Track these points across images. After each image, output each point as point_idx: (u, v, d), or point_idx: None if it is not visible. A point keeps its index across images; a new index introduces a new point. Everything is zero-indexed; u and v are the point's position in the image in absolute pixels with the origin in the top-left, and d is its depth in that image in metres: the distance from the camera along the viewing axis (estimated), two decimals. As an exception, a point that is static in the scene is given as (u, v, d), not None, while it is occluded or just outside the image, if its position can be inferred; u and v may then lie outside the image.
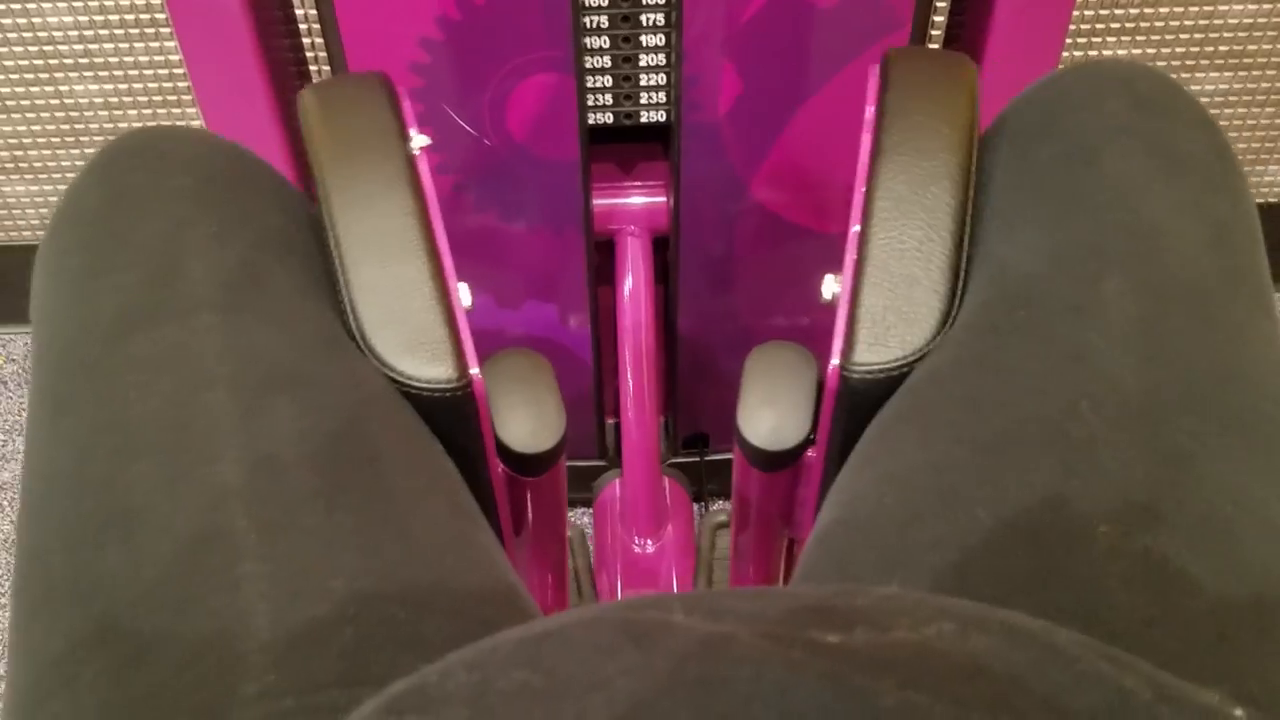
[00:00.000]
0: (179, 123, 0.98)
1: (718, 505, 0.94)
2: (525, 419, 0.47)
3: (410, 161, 0.45)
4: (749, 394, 0.49)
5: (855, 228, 0.43)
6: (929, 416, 0.39)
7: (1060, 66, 0.46)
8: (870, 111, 0.44)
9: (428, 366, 0.42)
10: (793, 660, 0.21)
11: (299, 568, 0.32)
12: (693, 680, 0.21)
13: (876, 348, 0.42)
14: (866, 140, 0.44)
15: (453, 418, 0.43)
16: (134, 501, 0.33)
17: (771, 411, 0.48)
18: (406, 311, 0.42)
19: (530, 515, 0.52)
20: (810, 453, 0.48)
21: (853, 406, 0.43)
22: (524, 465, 0.47)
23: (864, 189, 0.43)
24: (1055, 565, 0.32)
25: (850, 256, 0.43)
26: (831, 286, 0.46)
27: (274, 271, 0.41)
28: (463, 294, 0.44)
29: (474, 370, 0.42)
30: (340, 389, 0.39)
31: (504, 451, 0.47)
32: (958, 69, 0.46)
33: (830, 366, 0.43)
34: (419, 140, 0.46)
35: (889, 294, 0.42)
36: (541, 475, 0.48)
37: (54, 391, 0.38)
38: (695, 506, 0.93)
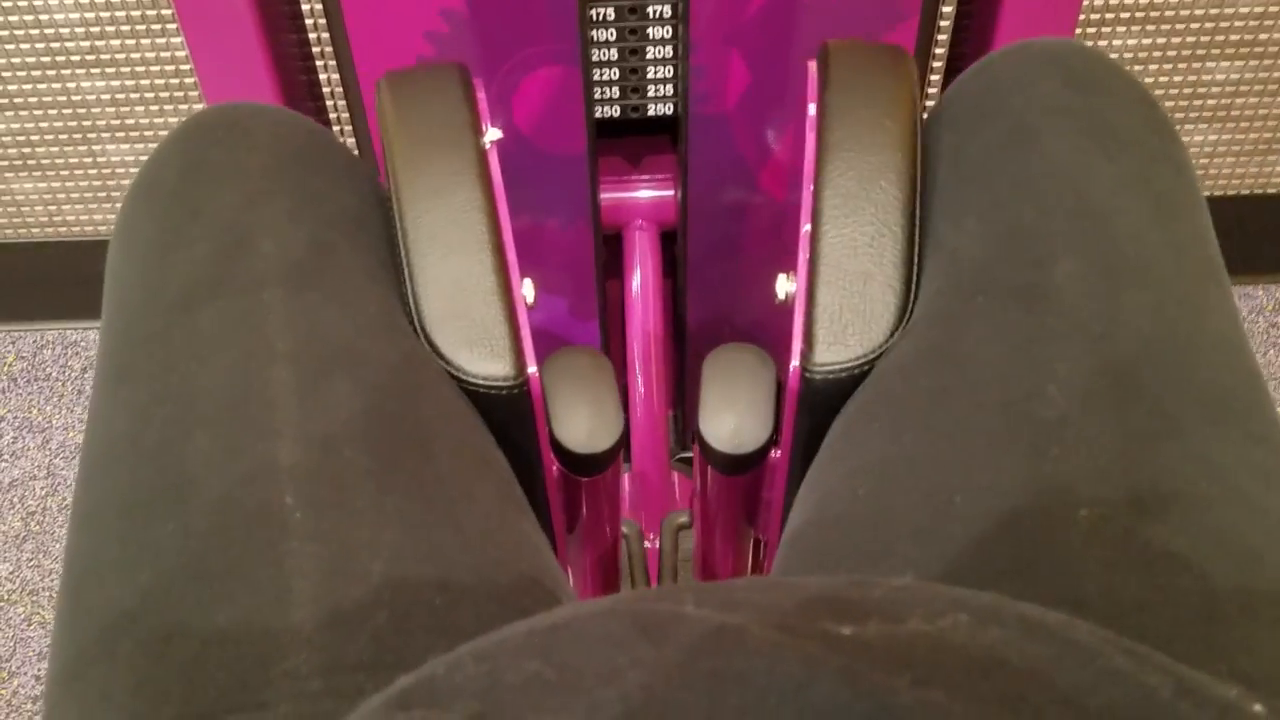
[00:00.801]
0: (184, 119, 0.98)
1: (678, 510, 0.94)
2: (583, 418, 0.46)
3: (482, 155, 0.44)
4: (708, 398, 0.48)
5: (806, 226, 0.42)
6: (896, 409, 0.39)
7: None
8: (812, 108, 0.44)
9: (486, 363, 0.41)
10: (808, 654, 0.21)
11: (342, 548, 0.33)
12: (706, 673, 0.21)
13: (836, 347, 0.41)
14: (811, 138, 0.43)
15: (509, 415, 0.43)
16: (186, 473, 0.34)
17: (731, 415, 0.47)
18: (468, 307, 0.42)
19: (585, 513, 0.52)
20: (774, 454, 0.48)
21: (815, 406, 0.43)
22: (580, 465, 0.47)
23: (812, 187, 0.43)
24: (1037, 551, 0.32)
25: (803, 255, 0.42)
26: (785, 286, 0.46)
27: (343, 251, 0.41)
28: (526, 290, 0.44)
29: (531, 369, 0.42)
30: (398, 372, 0.39)
31: (560, 450, 0.46)
32: (897, 62, 0.45)
33: (791, 367, 0.42)
34: (492, 134, 0.45)
35: (844, 292, 0.41)
36: (598, 475, 0.48)
37: (117, 360, 0.38)
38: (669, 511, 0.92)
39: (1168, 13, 0.92)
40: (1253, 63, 0.96)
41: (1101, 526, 0.31)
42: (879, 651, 0.21)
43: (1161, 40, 0.94)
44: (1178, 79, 0.97)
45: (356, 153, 0.77)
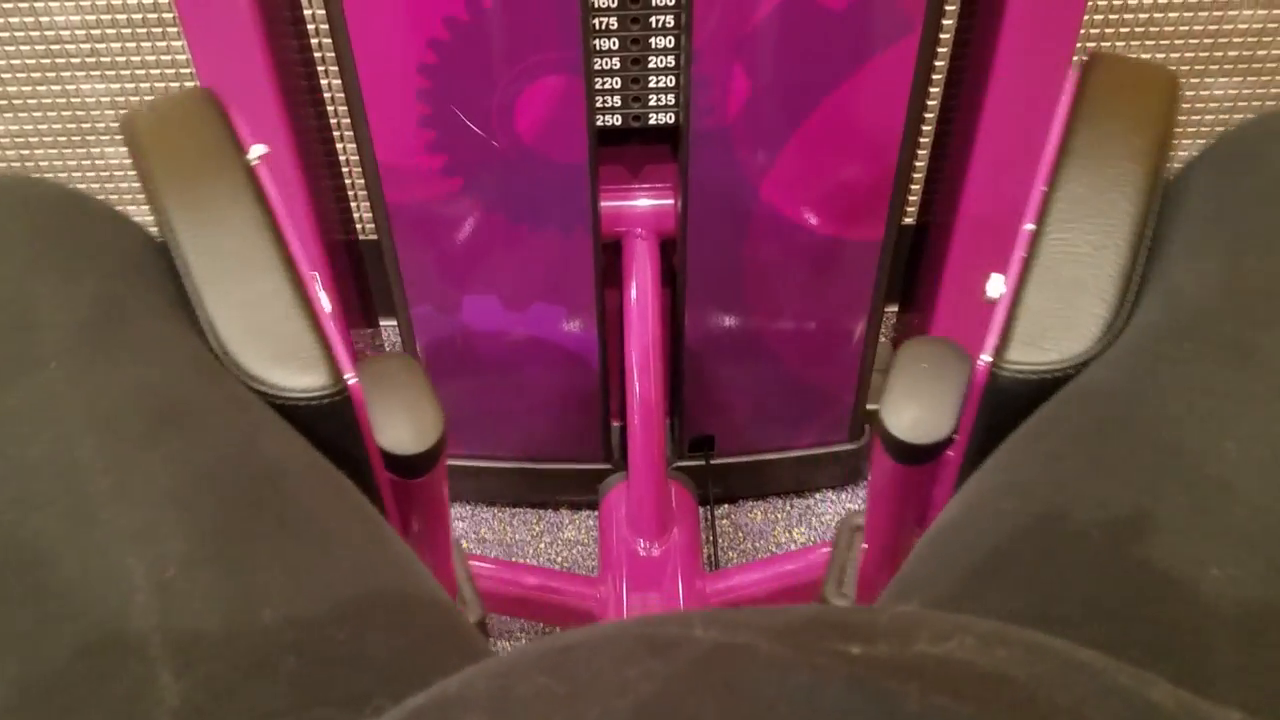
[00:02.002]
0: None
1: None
2: (403, 421, 0.46)
3: (251, 173, 0.44)
4: (895, 384, 0.48)
5: (1028, 225, 0.42)
6: (1067, 433, 0.37)
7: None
8: (1061, 111, 0.43)
9: (300, 376, 0.40)
10: (818, 665, 0.21)
11: (217, 602, 0.31)
12: (716, 683, 0.21)
13: (1031, 348, 0.40)
14: (1053, 140, 0.43)
15: (333, 426, 0.42)
16: (35, 554, 0.32)
17: (916, 404, 0.47)
18: (270, 323, 0.41)
19: (415, 517, 0.52)
20: (950, 453, 0.47)
21: (997, 407, 0.42)
22: (407, 467, 0.47)
23: (1043, 188, 0.42)
24: (1157, 611, 0.30)
25: (1018, 254, 0.42)
26: (997, 286, 0.44)
27: (129, 303, 0.39)
28: (323, 300, 0.43)
29: (349, 376, 0.41)
30: (227, 414, 0.38)
31: (385, 455, 0.46)
32: (1158, 79, 0.45)
33: (980, 363, 0.41)
34: (257, 150, 0.45)
35: (1052, 296, 0.40)
36: (424, 476, 0.48)
37: None
38: (700, 510, 0.92)
39: (1167, 28, 0.93)
40: (1250, 79, 0.97)
41: (1230, 594, 0.30)
42: (889, 666, 0.21)
43: (1160, 55, 0.95)
44: (1189, 93, 0.97)
45: (359, 158, 0.77)
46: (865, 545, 0.63)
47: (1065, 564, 0.33)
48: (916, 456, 0.48)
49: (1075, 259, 0.41)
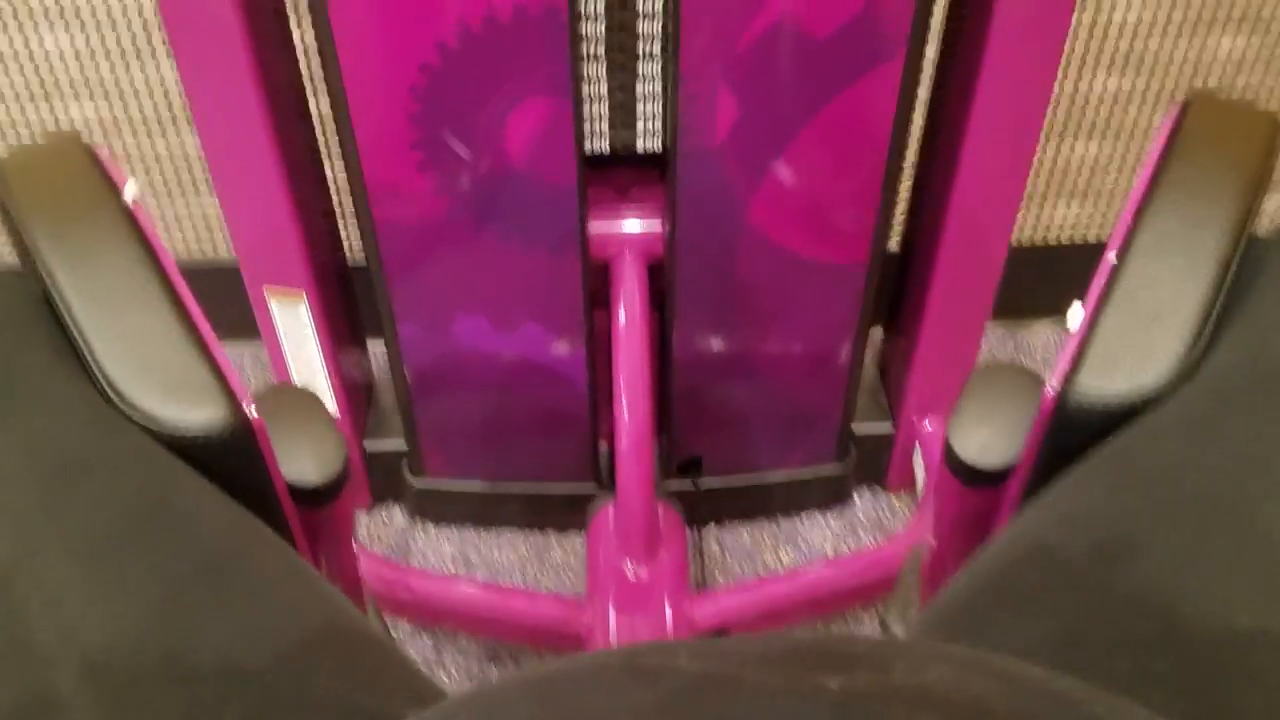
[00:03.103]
0: (174, 146, 0.99)
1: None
2: (305, 451, 0.46)
3: (129, 213, 0.43)
4: (966, 406, 0.48)
5: (1110, 255, 0.42)
6: (1130, 469, 0.37)
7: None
8: (1156, 146, 0.44)
9: (197, 410, 0.39)
10: (802, 692, 0.21)
11: (152, 660, 0.30)
12: (704, 713, 0.21)
13: (1102, 375, 0.40)
14: (1145, 172, 0.43)
15: (235, 460, 0.40)
16: None
17: (985, 428, 0.47)
18: (160, 358, 0.40)
19: (324, 549, 0.51)
20: (1014, 480, 0.47)
21: (1063, 434, 0.41)
22: (312, 498, 0.46)
23: (1129, 218, 0.42)
24: (1186, 663, 0.30)
25: (1099, 282, 0.42)
26: (1076, 316, 0.44)
27: (15, 358, 0.39)
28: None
29: (249, 407, 0.40)
30: (129, 465, 0.37)
31: (290, 488, 0.45)
32: (1258, 123, 0.45)
33: (1047, 389, 0.41)
34: (132, 189, 0.44)
35: (1129, 325, 0.40)
36: (329, 506, 0.47)
37: None
38: (688, 531, 0.92)
39: (1147, 57, 0.94)
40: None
41: (1258, 640, 0.30)
42: (870, 694, 0.22)
43: (1141, 84, 0.96)
44: (1157, 120, 0.99)
45: (349, 185, 0.77)
46: (928, 561, 0.62)
47: (1097, 598, 0.32)
48: (979, 479, 0.47)
49: (1155, 292, 0.40)
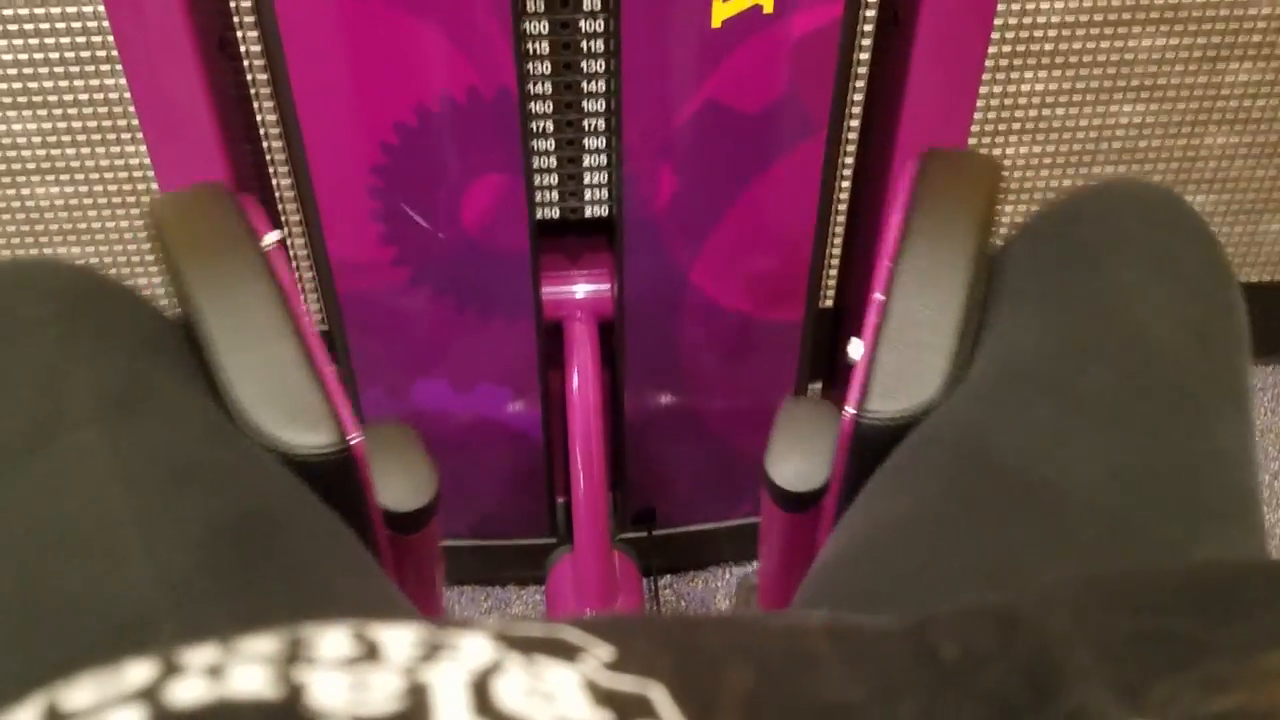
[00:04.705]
0: (136, 222, 1.01)
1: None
2: (400, 479, 0.51)
3: (264, 255, 0.49)
4: (777, 441, 0.54)
5: (879, 295, 0.49)
6: (924, 470, 0.43)
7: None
8: (903, 196, 0.51)
9: (309, 434, 0.45)
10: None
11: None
12: (665, 619, 0.24)
13: (886, 399, 0.47)
14: (896, 220, 0.50)
15: (338, 482, 0.46)
16: (56, 605, 0.35)
17: (797, 457, 0.53)
18: (283, 387, 0.45)
19: (410, 571, 0.56)
20: (828, 498, 0.53)
21: (862, 452, 0.48)
22: (403, 523, 0.51)
23: (889, 262, 0.49)
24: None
25: (872, 320, 0.49)
26: (856, 349, 0.51)
27: (153, 374, 0.43)
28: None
29: (353, 435, 0.46)
30: (237, 470, 0.42)
31: (383, 512, 0.50)
32: (984, 170, 0.52)
33: (845, 415, 0.48)
34: (271, 237, 0.50)
35: (902, 354, 0.47)
36: (418, 533, 0.52)
37: None
38: (644, 580, 0.95)
39: (1071, 56, 0.95)
40: (1154, 105, 1.03)
41: (1075, 610, 0.35)
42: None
43: (1067, 84, 0.97)
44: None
45: (309, 254, 0.81)
46: (760, 590, 0.68)
47: (939, 590, 0.38)
48: (799, 503, 0.53)
49: (918, 323, 0.48)
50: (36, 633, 0.34)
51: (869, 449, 0.48)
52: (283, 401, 0.45)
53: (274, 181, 0.94)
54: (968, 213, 0.50)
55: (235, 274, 0.48)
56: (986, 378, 0.46)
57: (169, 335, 0.48)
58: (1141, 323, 0.44)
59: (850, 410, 0.48)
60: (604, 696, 0.19)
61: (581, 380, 0.83)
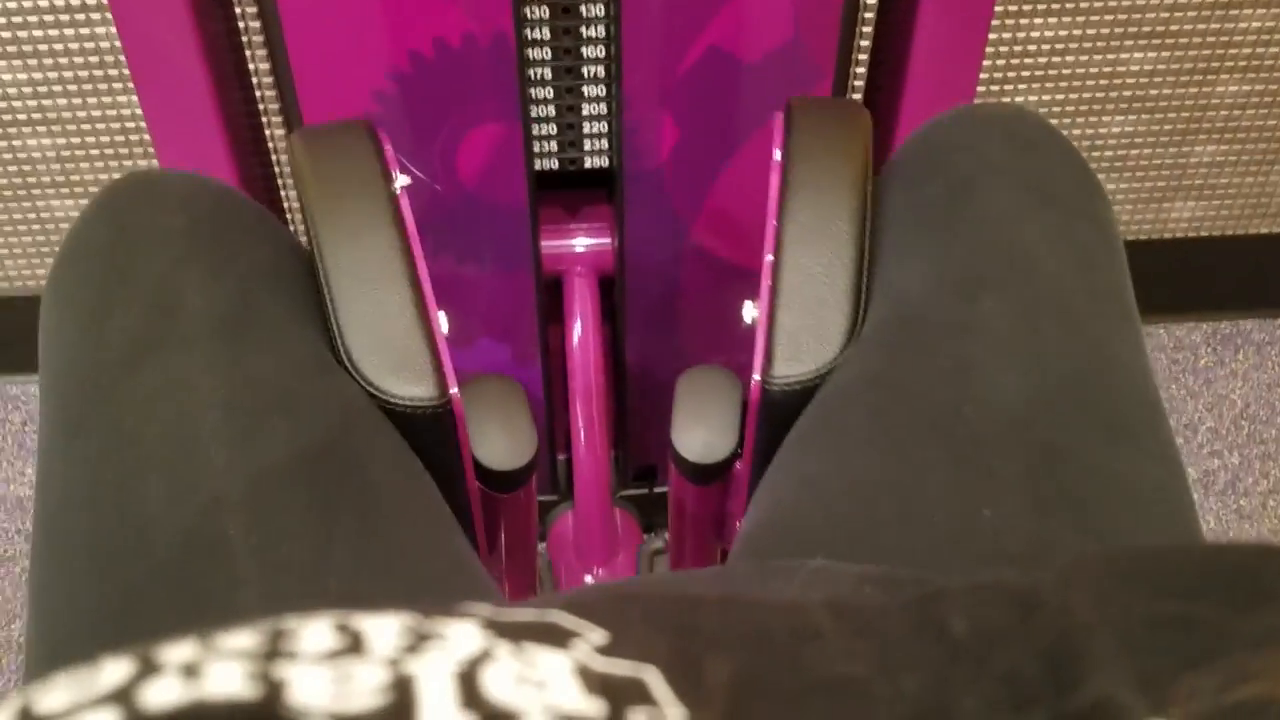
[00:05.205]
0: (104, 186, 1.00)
1: (652, 535, 0.98)
2: (499, 437, 0.50)
3: (394, 200, 0.48)
4: (681, 413, 0.53)
5: (769, 257, 0.47)
6: (838, 426, 0.43)
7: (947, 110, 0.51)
8: (777, 153, 0.49)
9: (411, 386, 0.45)
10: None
11: (295, 570, 0.35)
12: (659, 598, 0.24)
13: (792, 362, 0.46)
14: (775, 179, 0.48)
15: (433, 435, 0.46)
16: (144, 515, 0.36)
17: (703, 428, 0.52)
18: (391, 336, 0.45)
19: (503, 531, 0.55)
20: (738, 466, 0.52)
21: (772, 417, 0.47)
22: (499, 481, 0.50)
23: (774, 222, 0.48)
24: (952, 545, 0.36)
25: (765, 283, 0.47)
26: (750, 311, 0.51)
27: (264, 301, 0.44)
28: (441, 321, 0.47)
29: (453, 390, 0.45)
30: (328, 405, 0.42)
31: (479, 469, 0.50)
32: (853, 115, 0.51)
33: (753, 382, 0.47)
34: (401, 180, 0.49)
35: (801, 315, 0.46)
36: (514, 492, 0.51)
37: (65, 417, 0.41)
38: (646, 536, 0.95)
39: (1064, 70, 1.00)
40: (1144, 116, 1.04)
41: (1006, 526, 0.36)
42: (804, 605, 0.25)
43: (1060, 97, 1.02)
44: (1076, 132, 1.04)
45: (299, 205, 0.80)
46: (671, 562, 0.68)
47: (875, 537, 0.38)
48: (709, 475, 0.53)
49: (813, 280, 0.47)
50: (114, 549, 0.36)
51: (778, 414, 0.47)
52: (388, 351, 0.45)
53: (267, 131, 0.92)
54: (846, 163, 0.48)
55: (361, 216, 0.47)
56: (886, 325, 0.46)
57: (294, 263, 0.48)
58: (1026, 249, 0.44)
59: (756, 377, 0.47)
60: (596, 682, 0.19)
61: (582, 336, 0.82)
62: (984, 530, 0.36)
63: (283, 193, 0.96)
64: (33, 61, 0.92)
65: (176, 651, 0.18)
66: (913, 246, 0.47)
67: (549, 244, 0.82)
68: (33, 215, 1.03)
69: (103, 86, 0.94)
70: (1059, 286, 0.43)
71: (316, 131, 0.51)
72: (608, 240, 0.83)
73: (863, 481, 0.40)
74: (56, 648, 0.35)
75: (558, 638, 0.20)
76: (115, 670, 0.17)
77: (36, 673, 0.36)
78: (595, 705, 0.18)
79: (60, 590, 0.37)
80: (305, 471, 0.39)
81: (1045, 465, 0.38)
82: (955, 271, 0.44)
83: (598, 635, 0.21)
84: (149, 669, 0.17)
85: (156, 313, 0.42)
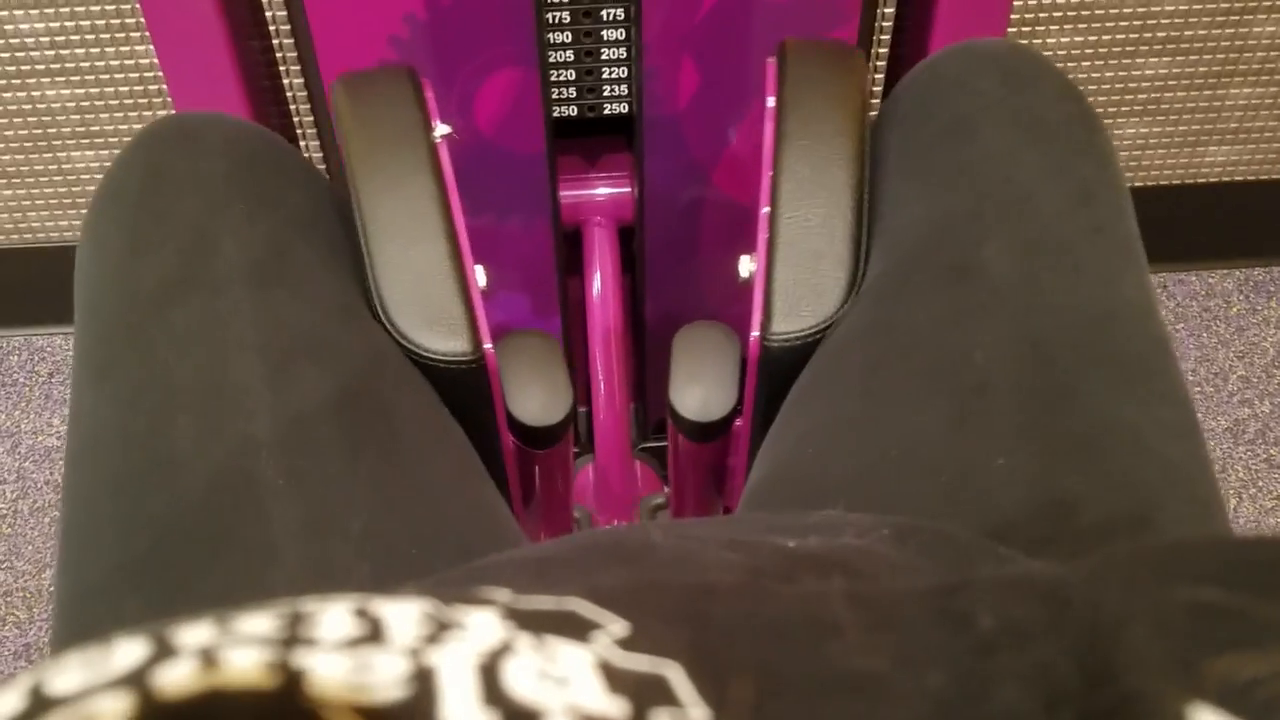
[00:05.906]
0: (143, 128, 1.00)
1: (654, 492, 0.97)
2: (536, 393, 0.50)
3: (433, 149, 0.47)
4: (678, 371, 0.52)
5: (765, 209, 0.46)
6: (840, 377, 0.43)
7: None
8: (770, 101, 0.47)
9: (445, 340, 0.44)
10: (759, 553, 0.25)
11: (323, 510, 0.36)
12: (678, 585, 0.24)
13: (791, 318, 0.45)
14: (769, 128, 0.47)
15: (467, 390, 0.45)
16: (173, 453, 0.37)
17: (700, 386, 0.51)
18: (427, 289, 0.45)
19: (539, 487, 0.55)
20: (738, 422, 0.51)
21: (773, 374, 0.46)
22: (534, 438, 0.50)
23: (770, 173, 0.46)
24: (959, 494, 0.36)
25: (762, 236, 0.46)
26: (747, 266, 0.49)
27: (298, 248, 0.44)
28: (479, 275, 0.47)
29: (487, 345, 0.45)
30: (358, 353, 0.42)
31: (514, 424, 0.49)
32: (848, 58, 0.49)
33: (751, 338, 0.46)
34: (441, 129, 0.48)
35: (799, 268, 0.45)
36: (549, 448, 0.51)
37: (97, 356, 0.41)
38: (665, 489, 0.95)
39: (1097, 11, 0.97)
40: (1179, 58, 1.01)
41: (1013, 474, 0.35)
42: (818, 554, 0.25)
43: (1093, 38, 0.99)
44: (1109, 74, 1.01)
45: (321, 155, 0.79)
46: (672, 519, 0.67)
47: (880, 482, 0.38)
48: (708, 433, 0.51)
49: (810, 232, 0.45)
50: (143, 489, 0.36)
51: (779, 370, 0.46)
52: (422, 304, 0.44)
53: (285, 81, 0.91)
54: (841, 109, 0.46)
55: (400, 165, 0.46)
56: (887, 275, 0.45)
57: (330, 210, 0.48)
58: (1025, 189, 0.43)
59: (755, 334, 0.45)
60: (619, 680, 0.18)
61: (602, 286, 0.82)
62: (989, 477, 0.35)
63: (302, 143, 0.95)
64: (49, 10, 0.92)
65: (193, 633, 0.17)
66: (911, 191, 0.46)
67: (568, 193, 0.81)
68: (54, 167, 1.03)
69: (120, 36, 0.94)
70: (1059, 224, 0.42)
71: (360, 76, 0.50)
72: (627, 189, 0.82)
73: (866, 433, 0.40)
74: (85, 592, 0.36)
75: (578, 629, 0.20)
76: (130, 651, 0.17)
77: (64, 619, 0.36)
78: (618, 705, 0.17)
79: (88, 532, 0.37)
80: (334, 416, 0.39)
81: (1050, 410, 0.37)
82: (954, 215, 0.43)
83: (618, 627, 0.20)
84: (164, 651, 0.17)
85: (191, 255, 0.42)
